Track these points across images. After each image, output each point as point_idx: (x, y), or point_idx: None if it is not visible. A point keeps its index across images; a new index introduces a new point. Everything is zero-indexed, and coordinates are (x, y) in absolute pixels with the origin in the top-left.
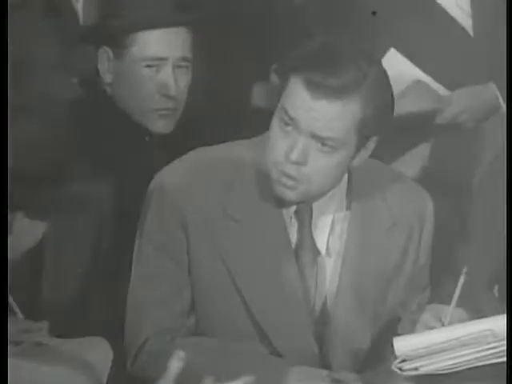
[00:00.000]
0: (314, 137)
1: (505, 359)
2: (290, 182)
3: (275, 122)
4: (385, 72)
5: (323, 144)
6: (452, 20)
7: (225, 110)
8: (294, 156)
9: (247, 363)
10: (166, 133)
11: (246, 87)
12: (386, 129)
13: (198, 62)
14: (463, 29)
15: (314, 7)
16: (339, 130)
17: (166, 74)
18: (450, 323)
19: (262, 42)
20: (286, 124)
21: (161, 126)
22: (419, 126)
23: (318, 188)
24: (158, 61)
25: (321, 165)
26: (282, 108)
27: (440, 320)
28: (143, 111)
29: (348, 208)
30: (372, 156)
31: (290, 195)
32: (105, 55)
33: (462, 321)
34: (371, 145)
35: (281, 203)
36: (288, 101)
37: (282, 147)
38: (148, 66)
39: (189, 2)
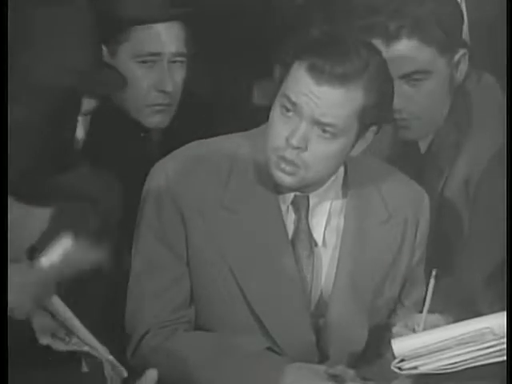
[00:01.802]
0: (316, 123)
1: (504, 358)
2: (288, 168)
3: (276, 109)
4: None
5: (324, 131)
6: None
7: (222, 105)
8: (295, 141)
9: (245, 360)
10: (162, 128)
11: (246, 83)
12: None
13: (197, 58)
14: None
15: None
16: (341, 116)
17: (161, 69)
18: (425, 330)
19: (262, 38)
20: (288, 110)
21: (156, 121)
22: None
23: (316, 175)
24: (153, 56)
25: (320, 151)
26: (283, 95)
27: (413, 329)
28: (139, 107)
29: (344, 200)
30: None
31: (288, 181)
32: None
33: (438, 326)
34: (370, 135)
35: (278, 190)
36: (290, 87)
37: (282, 133)
38: (143, 62)
39: None
